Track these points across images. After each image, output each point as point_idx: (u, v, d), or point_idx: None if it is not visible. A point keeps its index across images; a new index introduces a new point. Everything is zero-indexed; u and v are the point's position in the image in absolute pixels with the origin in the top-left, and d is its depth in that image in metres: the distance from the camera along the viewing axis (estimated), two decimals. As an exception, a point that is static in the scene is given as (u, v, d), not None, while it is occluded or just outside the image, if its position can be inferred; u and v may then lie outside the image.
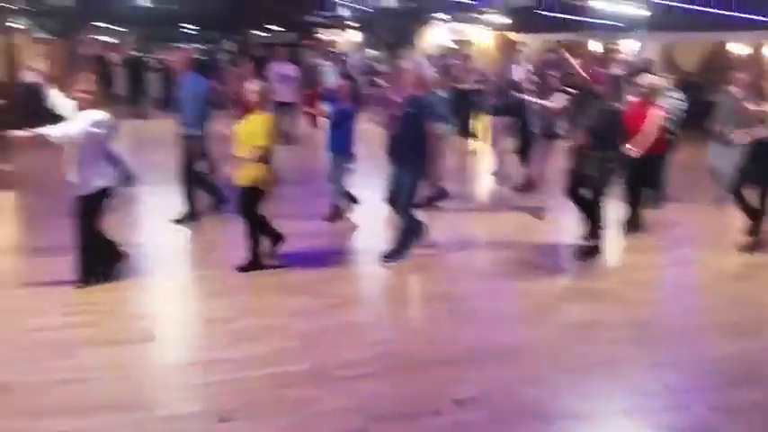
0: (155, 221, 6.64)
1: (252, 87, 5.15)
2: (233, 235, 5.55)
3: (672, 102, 6.96)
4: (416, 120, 5.37)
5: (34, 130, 4.58)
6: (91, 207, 4.76)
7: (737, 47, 14.94)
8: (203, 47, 21.43)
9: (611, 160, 5.63)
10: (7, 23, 11.91)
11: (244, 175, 5.04)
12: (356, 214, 6.77)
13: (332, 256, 5.76)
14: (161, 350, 4.12)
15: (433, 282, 5.32)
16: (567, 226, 6.86)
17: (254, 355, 3.93)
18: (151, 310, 4.74)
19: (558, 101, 6.85)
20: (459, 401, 3.52)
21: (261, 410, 3.39)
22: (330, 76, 12.20)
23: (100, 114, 4.69)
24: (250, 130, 5.05)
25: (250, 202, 5.10)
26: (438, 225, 6.29)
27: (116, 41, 16.18)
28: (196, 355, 3.96)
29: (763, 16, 11.40)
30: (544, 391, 3.67)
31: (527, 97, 7.77)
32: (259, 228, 5.18)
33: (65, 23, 14.66)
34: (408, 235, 5.54)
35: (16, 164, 9.35)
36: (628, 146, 5.79)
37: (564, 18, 15.18)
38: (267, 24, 20.20)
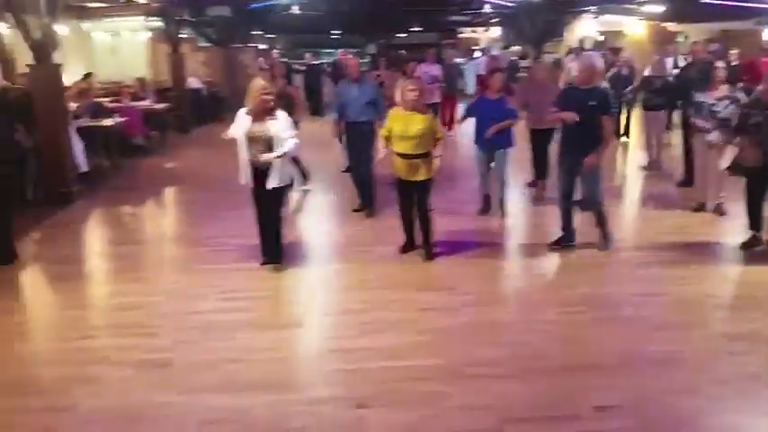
0: (316, 216, 7.13)
1: (411, 87, 5.29)
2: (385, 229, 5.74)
3: None
4: (596, 112, 5.30)
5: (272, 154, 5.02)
6: (281, 198, 5.34)
7: None
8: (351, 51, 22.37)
9: None
10: (175, 34, 13.24)
11: (423, 169, 5.32)
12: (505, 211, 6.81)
13: (474, 252, 5.75)
14: (307, 336, 4.36)
15: (580, 284, 5.11)
16: (730, 226, 6.36)
17: (385, 347, 4.04)
18: (301, 297, 5.03)
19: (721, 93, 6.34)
20: (601, 408, 3.37)
21: (395, 400, 3.46)
22: (470, 75, 12.21)
23: (286, 117, 5.14)
24: (418, 127, 5.22)
25: (429, 194, 5.47)
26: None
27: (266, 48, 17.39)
28: (336, 344, 4.13)
29: None
30: (699, 402, 3.42)
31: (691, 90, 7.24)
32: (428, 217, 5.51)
33: (224, 32, 15.92)
34: (604, 222, 5.66)
35: (178, 162, 10.42)
36: None
37: (731, 5, 13.81)
38: (408, 26, 20.54)
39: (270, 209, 5.25)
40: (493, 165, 6.72)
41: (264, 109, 4.98)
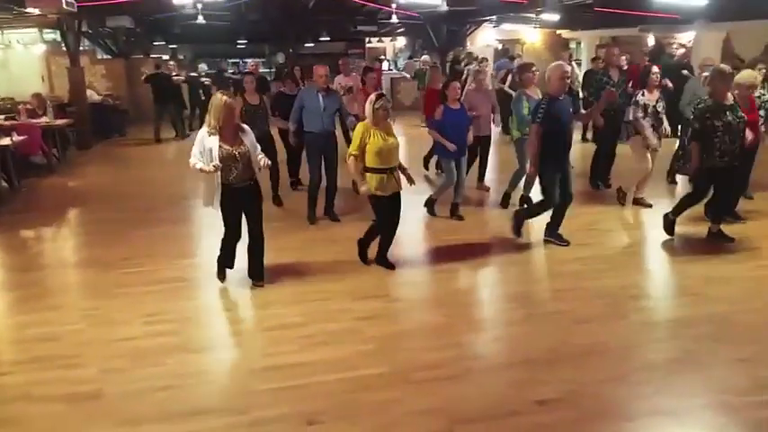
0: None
1: (382, 102, 5.23)
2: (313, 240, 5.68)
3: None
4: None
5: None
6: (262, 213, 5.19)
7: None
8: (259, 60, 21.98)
9: None
10: (74, 46, 12.53)
11: (398, 181, 5.35)
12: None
13: (405, 258, 5.80)
14: (241, 356, 4.24)
15: (508, 283, 5.30)
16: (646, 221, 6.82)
17: (328, 359, 4.00)
18: (228, 316, 4.89)
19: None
20: (542, 402, 3.50)
21: (346, 412, 3.44)
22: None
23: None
24: (394, 140, 5.35)
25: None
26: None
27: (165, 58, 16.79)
28: (274, 360, 4.03)
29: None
30: (628, 389, 3.63)
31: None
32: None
33: (125, 43, 15.25)
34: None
35: (81, 180, 9.88)
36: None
37: (619, 13, 14.84)
38: (316, 35, 20.48)
39: (258, 227, 5.08)
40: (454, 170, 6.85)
41: (234, 126, 4.80)
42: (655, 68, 6.97)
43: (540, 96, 6.53)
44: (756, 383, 3.61)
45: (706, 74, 7.08)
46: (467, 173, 7.30)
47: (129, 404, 3.60)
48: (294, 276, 5.42)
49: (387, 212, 5.37)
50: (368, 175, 5.26)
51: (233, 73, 16.45)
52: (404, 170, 5.43)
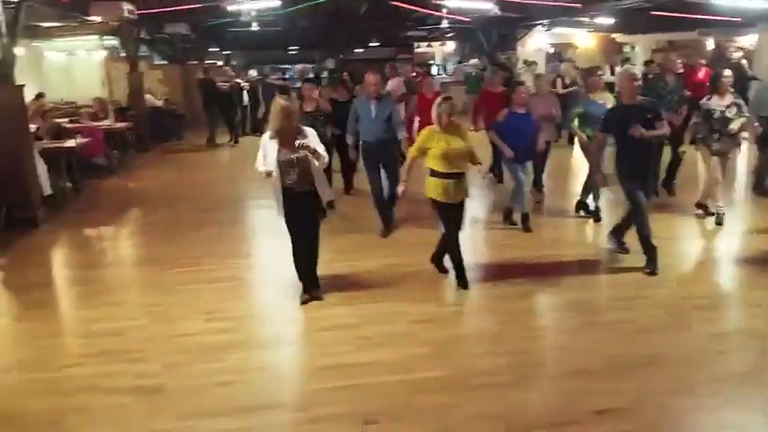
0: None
1: (446, 105, 5.07)
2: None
3: None
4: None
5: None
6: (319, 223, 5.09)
7: None
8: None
9: None
10: (133, 52, 12.99)
11: (464, 189, 5.17)
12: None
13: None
14: (298, 354, 4.30)
15: (566, 291, 5.22)
16: (708, 226, 6.61)
17: (384, 361, 4.02)
18: (284, 315, 4.96)
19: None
20: (601, 412, 3.43)
21: (402, 414, 3.45)
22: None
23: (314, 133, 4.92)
24: (460, 145, 5.06)
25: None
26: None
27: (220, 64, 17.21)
28: (331, 360, 4.07)
29: None
30: (692, 401, 3.52)
31: None
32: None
33: (181, 49, 15.70)
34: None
35: (140, 181, 10.20)
36: None
37: (675, 16, 14.44)
38: (366, 40, 20.70)
39: (312, 235, 4.97)
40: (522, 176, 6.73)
41: (292, 130, 4.70)
42: (727, 72, 6.69)
43: (606, 101, 6.43)
44: (831, 400, 3.45)
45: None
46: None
47: (191, 398, 3.70)
48: (348, 278, 5.46)
49: (449, 218, 5.14)
50: (430, 179, 5.10)
51: (276, 78, 16.52)
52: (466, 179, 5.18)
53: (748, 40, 15.74)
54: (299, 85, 10.94)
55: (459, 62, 23.01)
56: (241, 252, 6.44)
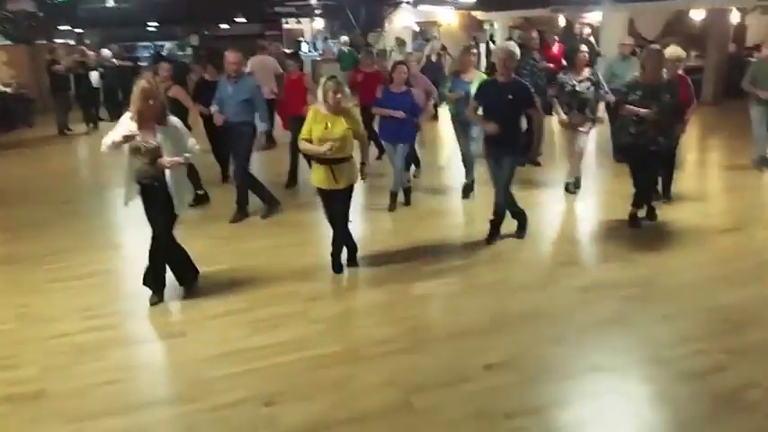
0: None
1: (335, 87, 4.76)
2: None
3: None
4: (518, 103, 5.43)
5: None
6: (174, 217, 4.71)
7: (698, 13, 15.37)
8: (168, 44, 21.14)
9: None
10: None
11: (346, 175, 4.92)
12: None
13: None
14: (189, 345, 4.16)
15: (448, 258, 5.47)
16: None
17: (280, 342, 4.02)
18: (170, 306, 4.78)
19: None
20: (489, 366, 3.69)
21: (303, 392, 3.49)
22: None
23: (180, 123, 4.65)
24: (342, 129, 4.80)
25: (350, 202, 5.10)
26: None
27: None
28: (225, 347, 4.01)
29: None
30: (566, 349, 3.87)
31: None
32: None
33: (27, 28, 14.30)
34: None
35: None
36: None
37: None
38: (231, 16, 19.95)
39: (160, 231, 4.58)
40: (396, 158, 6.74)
41: (153, 114, 4.36)
42: (584, 47, 7.14)
43: (474, 81, 6.55)
44: (680, 337, 3.95)
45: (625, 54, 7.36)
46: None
47: (75, 401, 3.50)
48: (234, 262, 5.37)
49: (328, 207, 5.04)
50: (313, 165, 4.95)
51: (121, 58, 14.45)
52: (362, 165, 5.05)
53: (594, 17, 17.07)
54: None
55: (326, 39, 22.93)
56: (112, 243, 6.10)
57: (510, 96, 5.36)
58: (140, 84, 4.36)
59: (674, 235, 5.89)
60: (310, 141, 4.85)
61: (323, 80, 4.86)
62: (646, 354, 3.78)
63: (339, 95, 4.74)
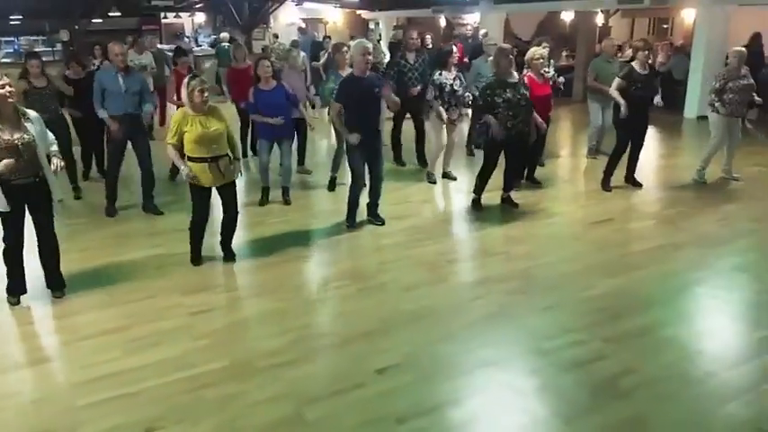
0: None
1: (200, 87, 4.83)
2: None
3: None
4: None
5: None
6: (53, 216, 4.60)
7: (568, 14, 16.36)
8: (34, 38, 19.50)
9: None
10: None
11: (229, 171, 5.04)
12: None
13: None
14: (57, 371, 3.81)
15: (337, 261, 5.42)
16: (449, 192, 7.33)
17: (160, 361, 3.78)
18: (39, 328, 4.37)
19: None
20: (381, 370, 3.66)
21: (187, 414, 3.28)
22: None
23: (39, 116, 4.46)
24: (217, 127, 4.95)
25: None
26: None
27: None
28: (98, 371, 3.69)
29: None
30: (456, 346, 3.92)
31: None
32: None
33: None
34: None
35: None
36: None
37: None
38: (104, 10, 18.64)
39: (48, 230, 4.48)
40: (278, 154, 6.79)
41: (9, 111, 4.15)
42: (454, 48, 7.42)
43: None
44: (561, 328, 4.13)
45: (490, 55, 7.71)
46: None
47: None
48: (112, 276, 5.01)
49: (206, 204, 5.09)
50: (189, 164, 4.89)
51: None
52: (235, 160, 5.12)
53: (473, 18, 17.69)
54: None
55: (208, 35, 22.11)
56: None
57: (376, 89, 5.72)
58: None
59: (550, 226, 6.20)
60: (181, 145, 4.87)
61: (186, 80, 4.89)
62: (530, 346, 3.92)
63: (205, 94, 4.82)
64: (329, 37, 15.84)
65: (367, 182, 6.06)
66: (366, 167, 5.95)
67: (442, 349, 3.90)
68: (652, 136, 10.59)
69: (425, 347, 3.92)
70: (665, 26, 18.10)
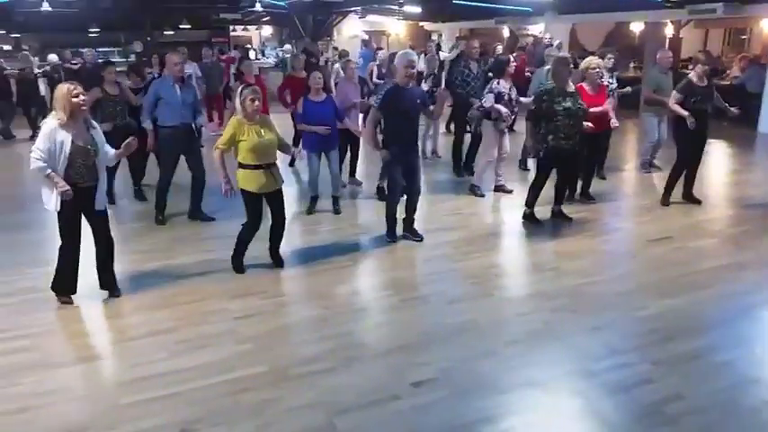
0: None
1: (252, 96, 4.98)
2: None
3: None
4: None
5: None
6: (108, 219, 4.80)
7: (638, 25, 15.87)
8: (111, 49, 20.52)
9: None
10: None
11: (279, 178, 5.20)
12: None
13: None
14: (107, 368, 3.96)
15: (384, 271, 5.42)
16: (501, 200, 7.21)
17: (204, 364, 3.86)
18: (90, 327, 4.56)
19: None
20: (418, 383, 3.61)
21: (222, 417, 3.34)
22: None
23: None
24: (271, 135, 5.11)
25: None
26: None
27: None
28: (144, 370, 3.82)
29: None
30: (497, 363, 3.83)
31: None
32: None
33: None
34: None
35: None
36: (588, 123, 6.28)
37: (476, 6, 15.59)
38: (175, 22, 19.49)
39: (105, 234, 4.69)
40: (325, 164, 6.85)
41: (82, 117, 4.41)
42: (511, 57, 7.32)
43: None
44: (609, 349, 3.97)
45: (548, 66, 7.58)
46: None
47: (-19, 433, 3.27)
48: (162, 279, 5.16)
49: (260, 211, 5.16)
50: (242, 171, 5.03)
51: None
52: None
53: (538, 29, 17.42)
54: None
55: (273, 48, 22.70)
56: (39, 260, 5.72)
57: (418, 100, 5.72)
58: (64, 87, 4.33)
59: (605, 243, 5.99)
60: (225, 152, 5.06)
61: (238, 90, 5.05)
62: (575, 367, 3.78)
63: (257, 103, 4.93)
64: (381, 48, 15.98)
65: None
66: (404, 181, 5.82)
67: (481, 366, 3.82)
68: (722, 151, 10.17)
69: (465, 363, 3.85)
70: (742, 37, 17.26)
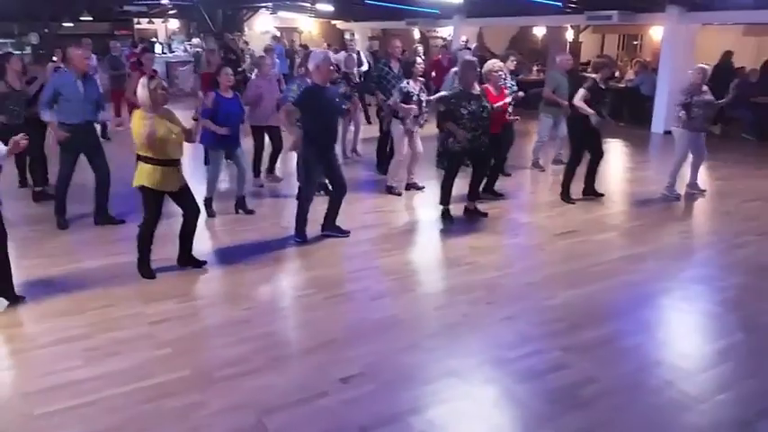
0: None
1: (162, 86, 4.86)
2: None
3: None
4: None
5: None
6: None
7: (540, 30, 16.65)
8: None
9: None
10: None
11: (181, 174, 5.06)
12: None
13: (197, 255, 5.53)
14: (12, 379, 3.73)
15: (305, 270, 5.42)
16: (419, 202, 7.37)
17: (121, 370, 3.72)
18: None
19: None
20: (345, 379, 3.66)
21: (145, 424, 3.24)
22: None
23: None
24: (178, 130, 4.97)
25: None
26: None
27: None
28: (55, 380, 3.62)
29: (558, 1, 12.78)
30: (419, 356, 3.94)
31: None
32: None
33: None
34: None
35: None
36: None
37: (387, 6, 15.79)
38: (76, 14, 18.40)
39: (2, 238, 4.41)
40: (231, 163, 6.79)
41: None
42: (418, 59, 7.48)
43: None
44: (521, 337, 4.18)
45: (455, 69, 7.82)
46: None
47: None
48: (69, 284, 4.92)
49: (160, 209, 4.97)
50: (143, 165, 4.79)
51: None
52: None
53: (446, 31, 17.89)
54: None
55: (182, 42, 21.93)
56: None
57: (337, 100, 5.94)
58: None
59: (515, 237, 6.29)
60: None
61: (143, 81, 4.79)
62: (491, 356, 3.95)
63: (164, 91, 4.81)
64: (305, 46, 15.88)
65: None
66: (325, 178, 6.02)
67: (405, 359, 3.91)
68: (619, 149, 10.89)
69: (389, 357, 3.93)
70: (634, 42, 18.53)
